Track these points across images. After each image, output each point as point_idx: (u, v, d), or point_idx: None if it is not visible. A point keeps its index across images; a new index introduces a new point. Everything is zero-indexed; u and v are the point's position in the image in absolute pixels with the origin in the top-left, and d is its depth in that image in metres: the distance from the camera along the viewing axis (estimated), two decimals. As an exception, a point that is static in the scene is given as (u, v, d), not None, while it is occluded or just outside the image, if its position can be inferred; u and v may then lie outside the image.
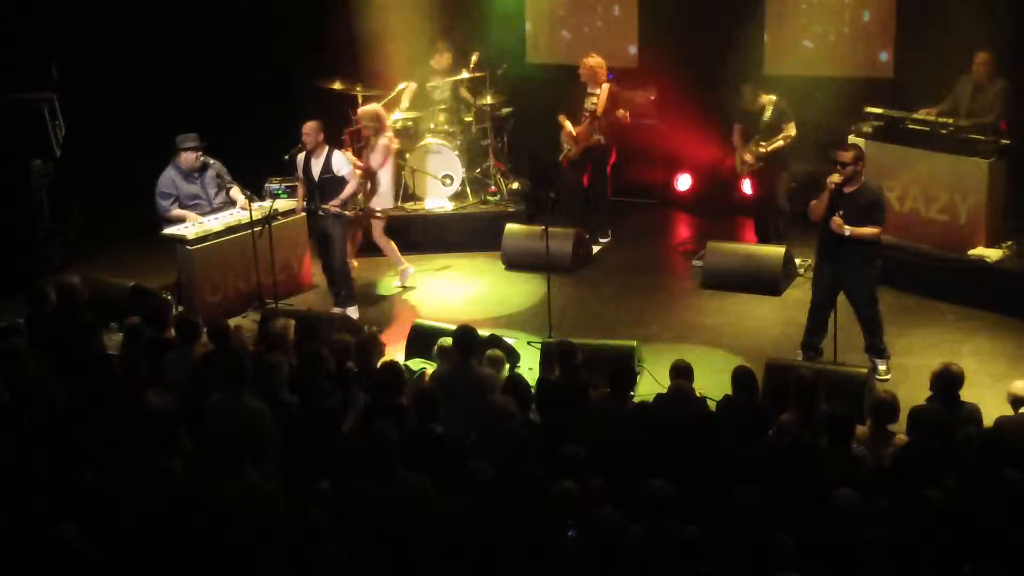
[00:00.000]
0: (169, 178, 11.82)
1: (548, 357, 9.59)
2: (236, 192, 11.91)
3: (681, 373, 8.40)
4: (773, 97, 12.21)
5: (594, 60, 12.91)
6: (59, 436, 7.44)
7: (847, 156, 9.66)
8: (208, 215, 11.78)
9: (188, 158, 11.77)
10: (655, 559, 6.09)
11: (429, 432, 7.62)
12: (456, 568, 6.14)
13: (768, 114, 12.17)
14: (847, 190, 9.67)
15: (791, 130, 12.14)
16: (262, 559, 6.21)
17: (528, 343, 10.63)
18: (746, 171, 12.47)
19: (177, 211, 11.78)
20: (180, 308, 11.22)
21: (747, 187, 12.98)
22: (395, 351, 9.91)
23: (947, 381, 8.01)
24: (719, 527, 6.37)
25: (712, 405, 8.69)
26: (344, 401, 8.28)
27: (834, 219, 9.63)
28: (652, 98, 12.90)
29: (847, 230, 9.60)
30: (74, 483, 6.83)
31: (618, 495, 6.82)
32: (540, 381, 8.96)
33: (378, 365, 8.77)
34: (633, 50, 14.69)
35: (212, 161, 11.96)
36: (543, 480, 6.68)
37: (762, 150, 12.18)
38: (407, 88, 13.84)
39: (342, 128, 13.24)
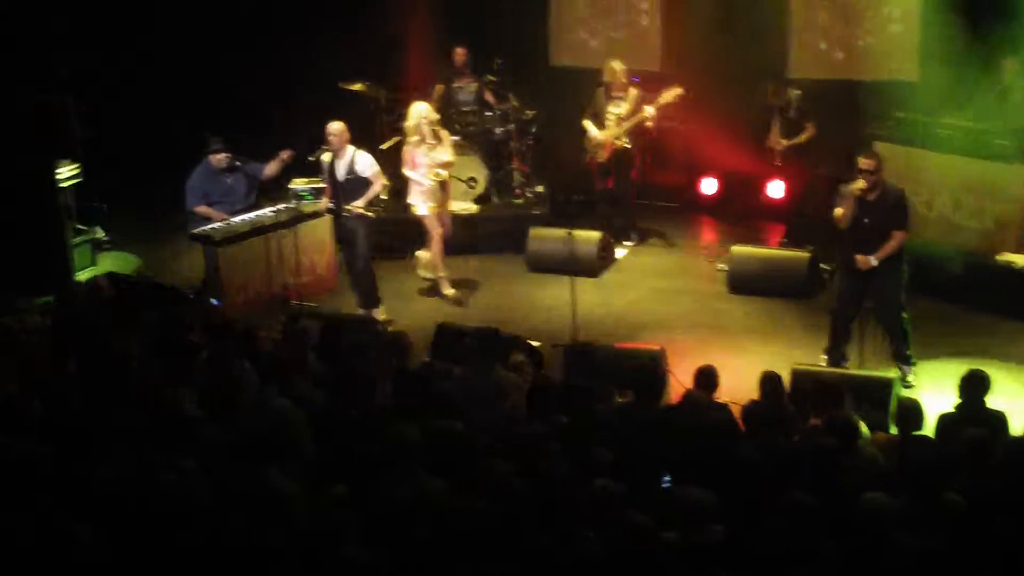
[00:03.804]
0: (200, 174, 12.03)
1: (569, 360, 9.58)
2: (272, 167, 11.98)
3: (703, 380, 8.38)
4: (799, 92, 12.53)
5: (618, 65, 12.93)
6: (78, 435, 7.45)
7: (870, 163, 9.63)
8: (236, 215, 11.85)
9: (216, 159, 11.92)
10: (685, 564, 6.09)
11: (449, 430, 7.61)
12: (474, 570, 6.13)
13: (792, 110, 12.51)
14: (869, 197, 9.64)
15: (811, 131, 12.45)
16: (281, 561, 6.21)
17: (552, 346, 10.63)
18: (775, 156, 12.69)
19: (204, 208, 11.90)
20: (205, 308, 11.27)
21: (773, 191, 12.99)
22: (420, 353, 9.91)
23: (974, 387, 7.97)
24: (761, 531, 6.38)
25: (737, 410, 8.68)
26: (377, 365, 8.40)
27: (858, 258, 9.65)
28: (679, 94, 12.85)
29: (874, 260, 9.60)
30: (92, 483, 6.85)
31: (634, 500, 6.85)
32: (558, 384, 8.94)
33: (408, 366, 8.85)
34: (657, 53, 14.67)
35: (239, 163, 12.04)
36: (564, 481, 6.67)
37: (785, 143, 12.50)
38: (435, 90, 13.88)
39: (373, 128, 13.35)
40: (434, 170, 11.65)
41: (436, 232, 11.94)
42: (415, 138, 11.73)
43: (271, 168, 12.11)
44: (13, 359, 8.97)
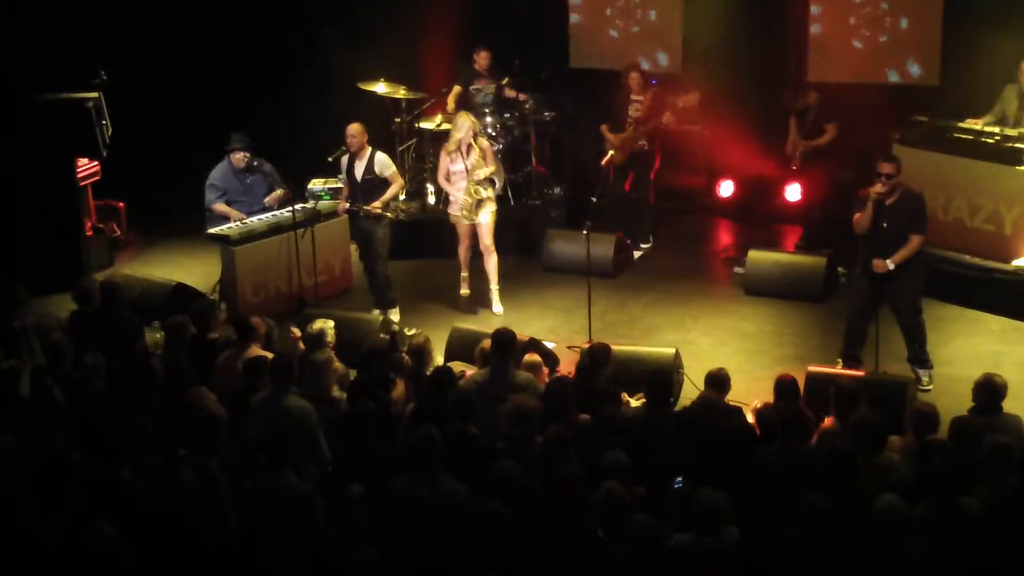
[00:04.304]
0: (221, 172, 12.09)
1: (584, 361, 9.57)
2: (276, 195, 12.01)
3: (715, 383, 8.37)
4: (817, 95, 12.54)
5: (637, 68, 12.93)
6: (100, 434, 7.48)
7: (890, 167, 9.61)
8: (254, 214, 11.90)
9: (235, 157, 11.97)
10: (698, 567, 6.10)
11: (464, 433, 7.63)
12: (491, 571, 6.15)
13: (813, 113, 12.48)
14: (888, 202, 9.63)
15: (833, 131, 12.40)
16: (297, 560, 6.24)
17: (568, 347, 10.64)
18: (795, 160, 12.68)
19: (221, 207, 11.96)
20: (223, 307, 11.32)
21: (790, 194, 13.00)
22: (435, 355, 9.93)
23: (990, 392, 7.95)
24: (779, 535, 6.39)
25: (751, 413, 8.68)
26: (392, 366, 8.49)
27: (875, 262, 9.63)
28: (696, 103, 12.91)
29: (891, 264, 9.58)
30: (114, 482, 6.88)
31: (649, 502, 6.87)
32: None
33: (426, 368, 8.87)
34: (677, 56, 14.67)
35: (259, 162, 12.08)
36: (581, 483, 6.68)
37: (805, 145, 12.50)
38: (452, 91, 13.88)
39: (391, 128, 13.36)
40: (474, 185, 11.40)
41: (466, 240, 11.73)
42: (454, 149, 11.50)
43: (271, 198, 12.13)
44: (31, 356, 9.01)
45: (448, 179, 11.59)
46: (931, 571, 6.12)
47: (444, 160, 11.60)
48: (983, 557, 6.30)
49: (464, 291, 12.00)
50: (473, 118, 11.64)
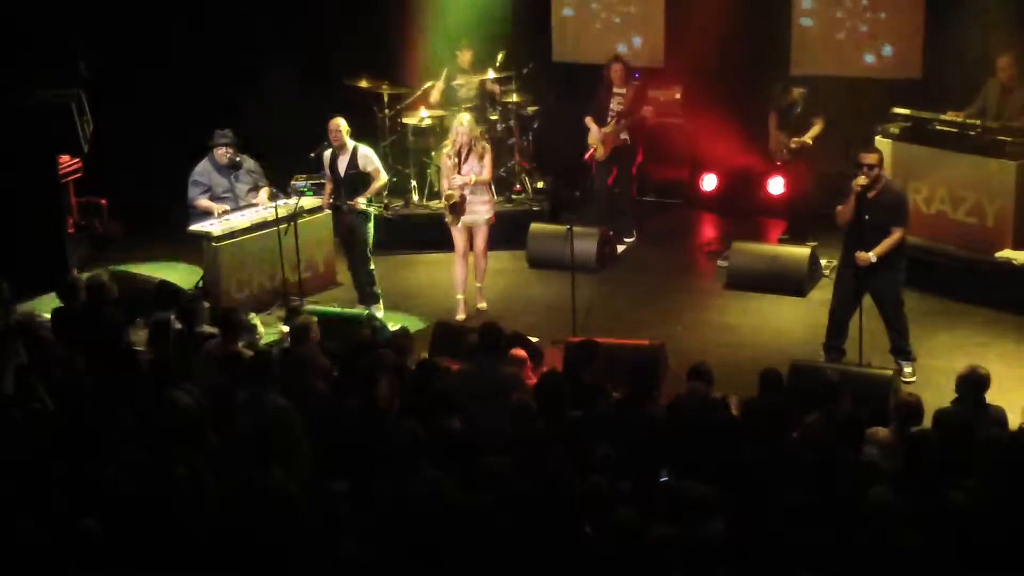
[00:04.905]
0: (204, 168, 12.07)
1: (571, 356, 9.58)
2: (262, 195, 12.00)
3: (699, 376, 8.37)
4: (804, 90, 12.52)
5: (619, 61, 12.94)
6: (86, 432, 7.47)
7: (871, 159, 9.64)
8: (236, 211, 11.87)
9: (219, 153, 11.95)
10: (684, 560, 6.10)
11: (446, 428, 7.62)
12: (479, 567, 6.14)
13: (800, 108, 12.46)
14: (870, 195, 9.65)
15: (820, 125, 12.38)
16: (284, 558, 6.23)
17: (552, 342, 10.63)
18: (779, 156, 12.66)
19: (204, 202, 11.93)
20: (207, 303, 11.28)
21: (773, 187, 13.03)
22: (419, 349, 9.92)
23: (973, 383, 7.97)
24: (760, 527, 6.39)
25: (735, 405, 8.69)
26: (376, 361, 8.39)
27: (857, 254, 9.66)
28: (677, 96, 12.95)
29: (873, 256, 9.61)
30: (99, 479, 6.86)
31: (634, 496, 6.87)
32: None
33: (410, 363, 8.85)
34: (659, 50, 14.69)
35: (242, 159, 12.06)
36: (568, 478, 6.68)
37: (793, 144, 12.41)
38: (434, 86, 13.86)
39: (375, 123, 13.32)
40: (447, 191, 11.35)
41: (460, 257, 11.57)
42: (454, 152, 11.34)
43: (261, 194, 12.11)
44: (15, 354, 8.97)
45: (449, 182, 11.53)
46: (921, 565, 6.13)
47: (445, 163, 11.54)
48: (973, 551, 6.31)
49: (460, 316, 11.56)
50: (469, 119, 11.48)
